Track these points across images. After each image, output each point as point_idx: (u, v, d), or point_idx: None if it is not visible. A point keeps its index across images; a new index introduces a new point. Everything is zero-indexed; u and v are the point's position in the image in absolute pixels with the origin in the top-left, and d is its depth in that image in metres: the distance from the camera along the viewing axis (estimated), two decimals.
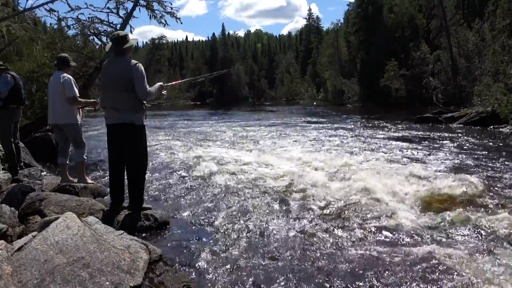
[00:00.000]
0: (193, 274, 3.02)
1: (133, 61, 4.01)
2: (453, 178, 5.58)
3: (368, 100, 36.13)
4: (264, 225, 4.04)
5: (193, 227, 4.07)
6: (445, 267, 3.03)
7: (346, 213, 4.40)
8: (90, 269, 2.45)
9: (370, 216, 4.26)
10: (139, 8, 9.87)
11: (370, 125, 16.03)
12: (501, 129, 12.35)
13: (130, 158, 4.13)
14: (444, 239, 3.61)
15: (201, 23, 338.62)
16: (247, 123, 18.78)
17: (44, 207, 3.90)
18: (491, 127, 13.00)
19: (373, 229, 3.89)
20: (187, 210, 4.60)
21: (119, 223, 3.84)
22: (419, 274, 2.94)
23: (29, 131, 8.57)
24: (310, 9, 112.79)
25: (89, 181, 5.32)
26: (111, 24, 9.78)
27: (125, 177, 4.22)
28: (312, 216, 4.31)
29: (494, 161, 7.27)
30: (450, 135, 11.72)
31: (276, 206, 4.70)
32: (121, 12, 9.77)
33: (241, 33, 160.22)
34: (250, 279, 2.92)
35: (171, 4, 10.23)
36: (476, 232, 3.73)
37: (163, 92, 4.35)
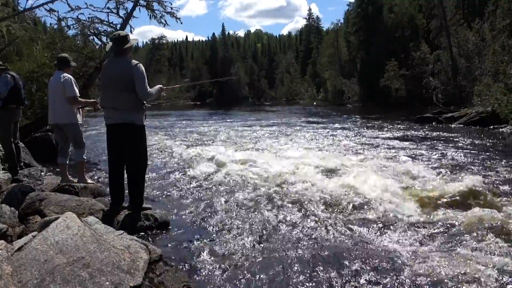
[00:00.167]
0: (193, 274, 3.02)
1: (134, 61, 4.01)
2: (452, 178, 5.59)
3: (368, 100, 36.13)
4: (265, 225, 4.04)
5: (193, 227, 4.07)
6: (444, 266, 3.02)
7: (346, 213, 4.40)
8: (90, 269, 2.45)
9: (369, 215, 4.27)
10: (139, 8, 9.89)
11: (370, 125, 16.03)
12: (501, 129, 12.36)
13: (130, 158, 4.13)
14: (444, 239, 3.61)
15: (201, 23, 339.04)
16: (247, 123, 18.79)
17: (44, 207, 3.90)
18: (491, 127, 13.01)
19: (373, 229, 3.89)
20: (187, 210, 4.60)
21: (119, 223, 3.84)
22: (417, 273, 2.94)
23: (29, 131, 8.57)
24: (310, 9, 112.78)
25: (89, 181, 5.32)
26: (111, 24, 9.80)
27: (125, 177, 4.22)
28: (312, 216, 4.31)
29: (494, 161, 7.26)
30: (450, 135, 11.72)
31: (277, 206, 4.69)
32: (121, 12, 9.80)
33: (241, 33, 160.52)
34: (250, 279, 2.92)
35: (171, 4, 10.27)
36: (476, 232, 3.73)
37: (162, 93, 4.36)
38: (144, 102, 4.11)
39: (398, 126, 14.96)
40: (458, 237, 3.64)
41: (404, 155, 8.14)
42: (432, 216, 4.23)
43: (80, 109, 5.17)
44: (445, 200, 4.70)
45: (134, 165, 4.14)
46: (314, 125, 16.61)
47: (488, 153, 8.16)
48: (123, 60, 4.03)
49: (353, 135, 12.29)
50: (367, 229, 3.91)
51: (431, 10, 34.51)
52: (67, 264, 2.46)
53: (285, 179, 5.94)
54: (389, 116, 20.34)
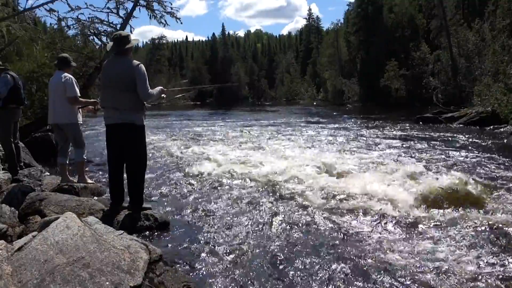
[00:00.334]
0: (193, 274, 3.02)
1: (136, 62, 4.01)
2: (452, 178, 5.57)
3: (368, 100, 36.13)
4: (265, 225, 4.04)
5: (193, 227, 4.07)
6: (442, 266, 3.03)
7: (346, 213, 4.39)
8: (90, 269, 2.45)
9: (369, 215, 4.27)
10: (139, 8, 9.88)
11: (370, 125, 16.03)
12: (501, 129, 12.35)
13: (130, 158, 4.13)
14: (443, 239, 3.61)
15: (201, 23, 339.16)
16: (247, 123, 18.79)
17: (44, 207, 3.90)
18: (491, 127, 13.00)
19: (372, 228, 3.89)
20: (187, 210, 4.60)
21: (119, 223, 3.85)
22: (415, 272, 2.94)
23: (29, 131, 8.57)
24: (310, 9, 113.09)
25: (89, 181, 5.32)
26: (111, 24, 9.79)
27: (125, 177, 4.22)
28: (312, 216, 4.31)
29: (494, 161, 7.26)
30: (450, 135, 11.72)
31: (277, 206, 4.69)
32: (121, 12, 9.79)
33: (241, 33, 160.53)
34: (250, 279, 2.92)
35: (171, 4, 10.21)
36: (475, 232, 3.73)
37: (162, 95, 4.38)
38: (144, 102, 4.11)
39: (398, 126, 14.95)
40: (458, 237, 3.64)
41: (404, 155, 8.14)
42: (432, 216, 4.23)
43: (80, 109, 5.18)
44: (445, 200, 4.69)
45: (134, 165, 4.14)
46: (314, 125, 16.60)
47: (488, 153, 8.15)
48: (124, 60, 4.03)
49: (353, 135, 12.28)
50: (367, 229, 3.91)
51: (431, 10, 34.51)
52: (67, 264, 2.46)
53: (286, 179, 5.94)
54: (389, 116, 20.33)
